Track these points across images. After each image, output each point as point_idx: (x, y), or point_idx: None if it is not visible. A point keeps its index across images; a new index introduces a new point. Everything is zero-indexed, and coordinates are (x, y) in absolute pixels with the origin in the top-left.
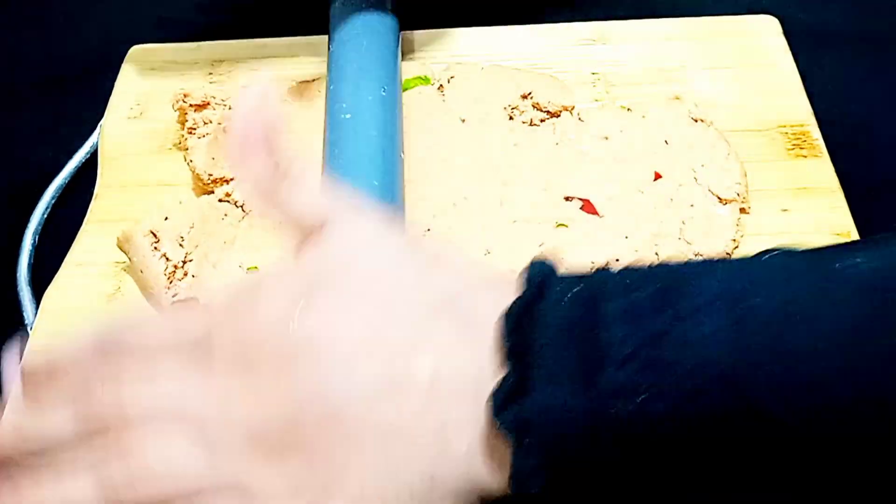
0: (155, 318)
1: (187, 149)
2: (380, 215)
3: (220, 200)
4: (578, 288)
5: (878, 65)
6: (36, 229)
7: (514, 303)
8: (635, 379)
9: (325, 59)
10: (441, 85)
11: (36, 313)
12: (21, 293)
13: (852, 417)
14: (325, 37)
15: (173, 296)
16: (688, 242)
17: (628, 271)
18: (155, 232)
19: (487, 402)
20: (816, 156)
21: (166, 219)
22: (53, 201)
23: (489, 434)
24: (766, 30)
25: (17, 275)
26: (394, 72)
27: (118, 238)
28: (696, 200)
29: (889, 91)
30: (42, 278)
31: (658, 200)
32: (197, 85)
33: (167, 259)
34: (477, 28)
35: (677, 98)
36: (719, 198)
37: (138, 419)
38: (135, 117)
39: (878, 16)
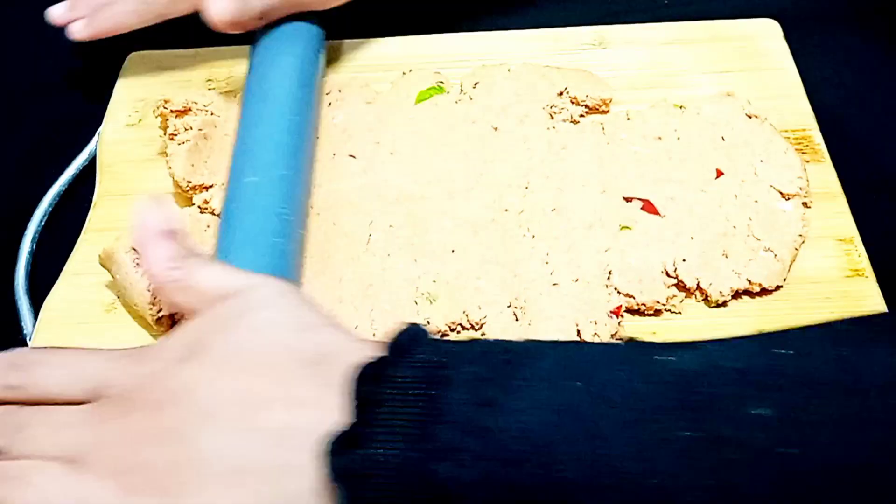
0: (56, 359)
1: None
2: (278, 282)
3: (200, 209)
4: (434, 353)
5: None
6: (33, 237)
7: (370, 363)
8: (460, 441)
9: (327, 65)
10: (463, 91)
11: (34, 323)
12: (19, 302)
13: (640, 499)
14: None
15: (158, 311)
16: (757, 239)
17: (479, 344)
18: (136, 248)
19: (323, 449)
20: (819, 161)
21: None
22: (51, 209)
23: (320, 482)
24: (766, 33)
25: (15, 283)
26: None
27: (100, 256)
28: (760, 196)
29: (891, 94)
30: (40, 287)
31: (723, 198)
32: (196, 91)
33: None
34: (473, 34)
35: (730, 94)
36: (781, 193)
37: (26, 450)
38: (133, 124)
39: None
